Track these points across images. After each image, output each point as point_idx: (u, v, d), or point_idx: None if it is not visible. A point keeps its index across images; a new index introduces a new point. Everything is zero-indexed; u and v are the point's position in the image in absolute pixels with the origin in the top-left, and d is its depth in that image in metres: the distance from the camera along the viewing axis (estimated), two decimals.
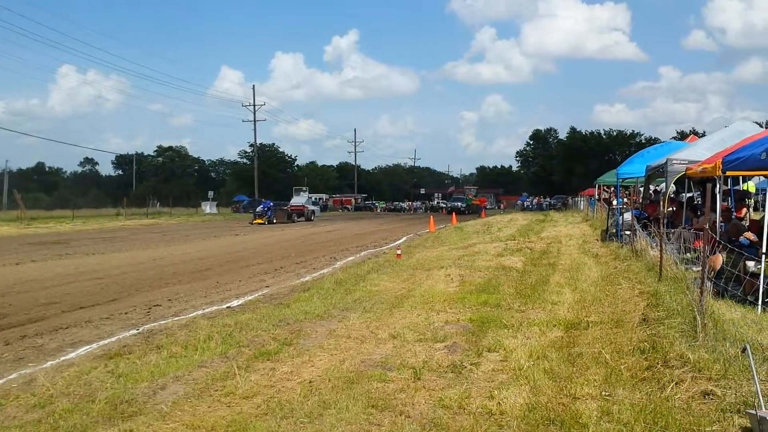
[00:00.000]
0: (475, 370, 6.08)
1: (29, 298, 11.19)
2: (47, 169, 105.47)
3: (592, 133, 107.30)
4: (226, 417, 4.94)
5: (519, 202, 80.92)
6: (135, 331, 8.42)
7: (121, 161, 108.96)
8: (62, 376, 6.17)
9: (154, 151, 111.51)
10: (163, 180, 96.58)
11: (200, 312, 9.75)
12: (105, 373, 6.19)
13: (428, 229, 29.80)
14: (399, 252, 17.20)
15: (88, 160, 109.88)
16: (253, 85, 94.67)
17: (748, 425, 4.40)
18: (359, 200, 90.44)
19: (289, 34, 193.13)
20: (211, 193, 74.54)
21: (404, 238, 26.07)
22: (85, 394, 5.57)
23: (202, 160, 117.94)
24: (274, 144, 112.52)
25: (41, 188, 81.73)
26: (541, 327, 7.75)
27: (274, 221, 41.29)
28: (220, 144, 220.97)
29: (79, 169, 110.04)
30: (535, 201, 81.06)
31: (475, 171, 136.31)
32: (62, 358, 7.08)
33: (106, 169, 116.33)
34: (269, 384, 5.75)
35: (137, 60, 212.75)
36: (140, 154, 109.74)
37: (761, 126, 16.40)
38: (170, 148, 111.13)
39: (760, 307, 8.04)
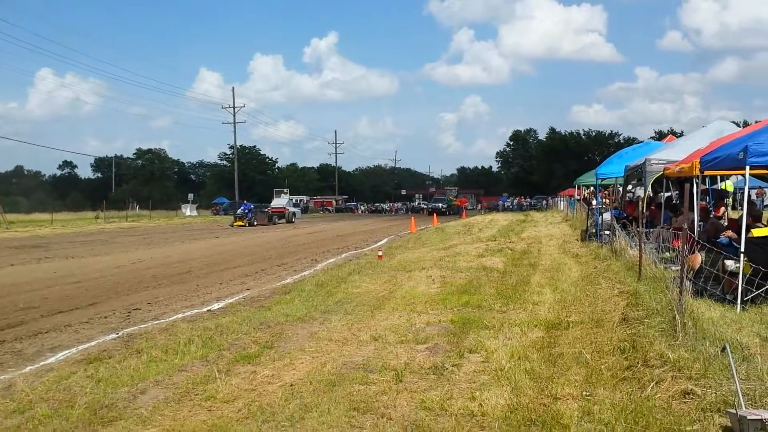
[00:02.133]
0: (456, 371, 6.09)
1: (8, 303, 11.06)
2: (26, 172, 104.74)
3: (571, 133, 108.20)
4: (206, 421, 4.91)
5: (499, 202, 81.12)
6: (115, 336, 8.33)
7: (100, 164, 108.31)
8: (41, 381, 6.11)
9: (134, 154, 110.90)
10: (142, 183, 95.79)
11: (180, 315, 9.68)
12: (85, 378, 6.12)
13: (409, 231, 29.79)
14: (380, 253, 17.18)
15: (67, 163, 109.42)
16: (233, 87, 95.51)
17: (729, 424, 4.41)
18: (340, 202, 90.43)
19: (268, 35, 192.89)
20: (191, 196, 73.97)
21: (385, 240, 26.05)
22: (65, 399, 5.51)
23: (181, 162, 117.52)
24: (254, 146, 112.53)
25: (20, 191, 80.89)
26: (522, 327, 7.77)
27: (255, 223, 41.16)
28: (200, 146, 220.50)
29: (58, 173, 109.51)
30: (516, 201, 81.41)
31: (455, 172, 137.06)
32: (41, 363, 7.01)
33: (85, 172, 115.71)
34: (250, 388, 5.72)
35: (115, 62, 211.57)
36: (119, 156, 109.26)
37: (739, 126, 16.54)
38: (149, 150, 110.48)
39: (739, 306, 8.06)
